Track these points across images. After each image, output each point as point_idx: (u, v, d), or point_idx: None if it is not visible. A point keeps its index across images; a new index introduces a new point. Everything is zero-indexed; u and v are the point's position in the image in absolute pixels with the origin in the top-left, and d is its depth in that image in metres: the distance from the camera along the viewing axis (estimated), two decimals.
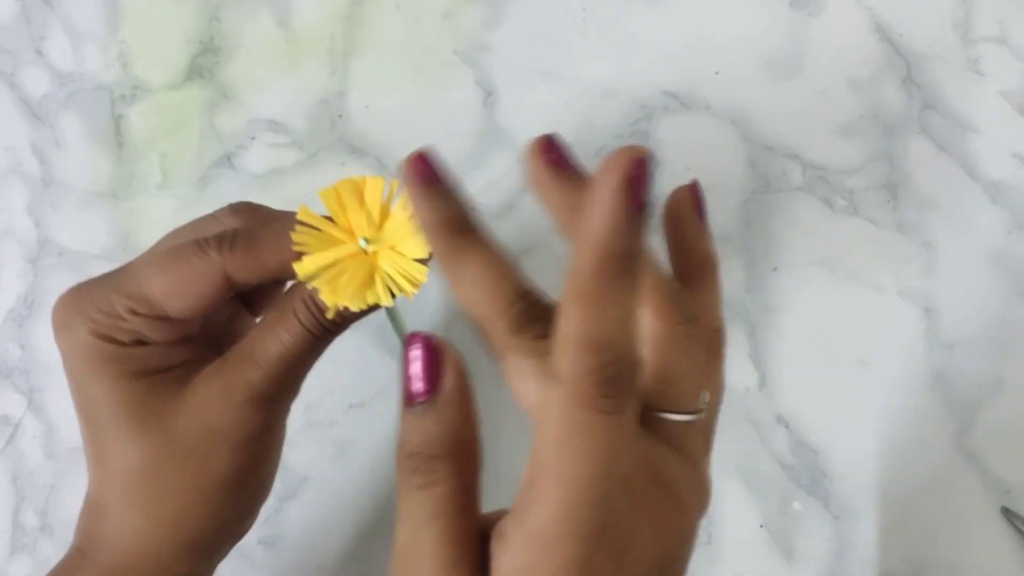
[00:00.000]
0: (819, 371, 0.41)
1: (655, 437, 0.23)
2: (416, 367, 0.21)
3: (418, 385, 0.21)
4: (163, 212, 0.46)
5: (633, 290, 0.19)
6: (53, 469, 0.44)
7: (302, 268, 0.26)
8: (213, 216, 0.29)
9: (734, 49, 0.45)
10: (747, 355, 0.41)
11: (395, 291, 0.26)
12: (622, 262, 0.18)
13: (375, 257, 0.26)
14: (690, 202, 0.25)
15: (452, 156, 0.45)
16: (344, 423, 0.42)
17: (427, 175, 0.22)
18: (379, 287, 0.26)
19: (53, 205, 0.47)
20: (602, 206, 0.18)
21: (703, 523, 0.40)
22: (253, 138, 0.46)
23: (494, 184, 0.44)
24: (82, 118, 0.48)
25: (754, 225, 0.43)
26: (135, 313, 0.27)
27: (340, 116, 0.46)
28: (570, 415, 0.18)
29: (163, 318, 0.27)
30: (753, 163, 0.43)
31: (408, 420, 0.21)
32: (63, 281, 0.45)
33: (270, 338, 0.27)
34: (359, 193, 0.26)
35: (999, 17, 0.44)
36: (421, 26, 0.47)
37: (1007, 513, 0.38)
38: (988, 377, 0.40)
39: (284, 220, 0.27)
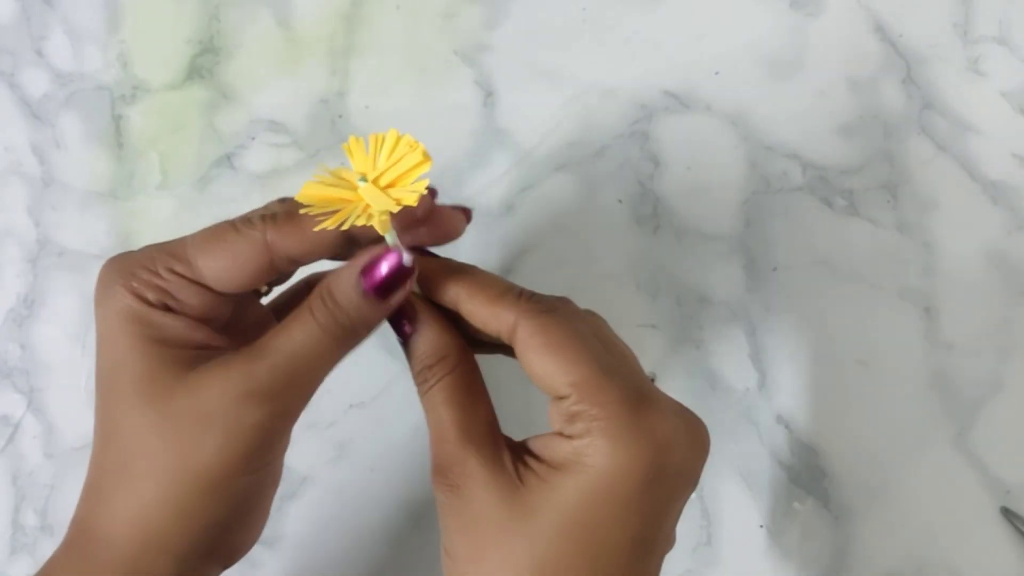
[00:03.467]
0: (819, 371, 0.41)
1: None
2: (398, 319, 0.28)
3: (405, 327, 0.28)
4: (163, 212, 0.46)
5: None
6: (53, 469, 0.44)
7: (303, 193, 0.26)
8: (264, 207, 0.30)
9: (734, 49, 0.45)
10: (747, 355, 0.41)
11: (369, 220, 0.26)
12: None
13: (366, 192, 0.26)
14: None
15: (452, 156, 0.45)
16: (344, 423, 0.42)
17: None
18: (356, 216, 0.26)
19: (53, 205, 0.47)
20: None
21: (703, 523, 0.40)
22: (253, 138, 0.46)
23: (494, 184, 0.44)
24: (82, 118, 0.48)
25: (754, 225, 0.43)
26: (172, 272, 0.27)
27: (340, 116, 0.46)
28: None
29: (198, 283, 0.27)
30: (753, 163, 0.43)
31: (408, 351, 0.28)
32: (63, 281, 0.45)
33: (282, 334, 0.27)
34: (382, 144, 0.27)
35: (999, 17, 0.44)
36: (421, 26, 0.47)
37: (1007, 513, 0.38)
38: (988, 377, 0.40)
39: None
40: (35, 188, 0.47)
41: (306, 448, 0.42)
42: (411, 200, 0.26)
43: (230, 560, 0.29)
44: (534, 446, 0.27)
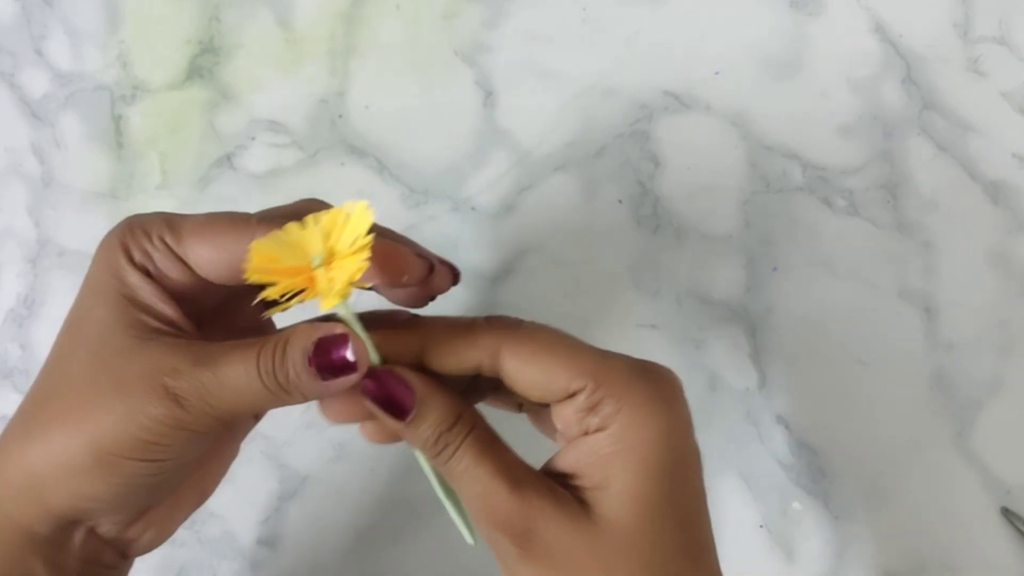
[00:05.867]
0: (819, 371, 0.41)
1: None
2: (394, 398, 0.26)
3: (405, 408, 0.26)
4: None
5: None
6: None
7: (256, 253, 0.25)
8: (289, 205, 0.29)
9: (734, 49, 0.45)
10: (747, 355, 0.41)
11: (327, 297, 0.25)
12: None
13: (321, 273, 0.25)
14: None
15: (452, 156, 0.45)
16: None
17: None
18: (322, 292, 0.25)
19: (53, 205, 0.47)
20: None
21: None
22: (253, 138, 0.46)
23: (494, 184, 0.44)
24: (82, 118, 0.48)
25: (754, 225, 0.43)
26: (163, 241, 0.27)
27: (340, 116, 0.46)
28: None
29: (182, 261, 0.27)
30: (753, 163, 0.43)
31: (412, 430, 0.26)
32: (63, 281, 0.45)
33: (225, 356, 0.26)
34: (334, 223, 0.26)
35: (999, 17, 0.44)
36: (421, 26, 0.47)
37: (1007, 513, 0.38)
38: (988, 377, 0.40)
39: None
40: (35, 188, 0.47)
41: (306, 448, 0.42)
42: (357, 276, 0.24)
43: (127, 549, 0.29)
44: (563, 464, 0.27)
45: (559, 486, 0.26)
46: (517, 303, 0.42)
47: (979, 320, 0.41)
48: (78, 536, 0.27)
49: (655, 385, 0.27)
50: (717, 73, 0.45)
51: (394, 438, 0.28)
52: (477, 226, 0.44)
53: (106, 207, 0.46)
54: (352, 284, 0.25)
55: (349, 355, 0.25)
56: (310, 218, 0.26)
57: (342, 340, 0.25)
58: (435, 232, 0.44)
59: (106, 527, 0.28)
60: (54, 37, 0.49)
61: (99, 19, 0.49)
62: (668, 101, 0.45)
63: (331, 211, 0.26)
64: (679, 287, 0.42)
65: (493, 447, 0.26)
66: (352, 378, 0.25)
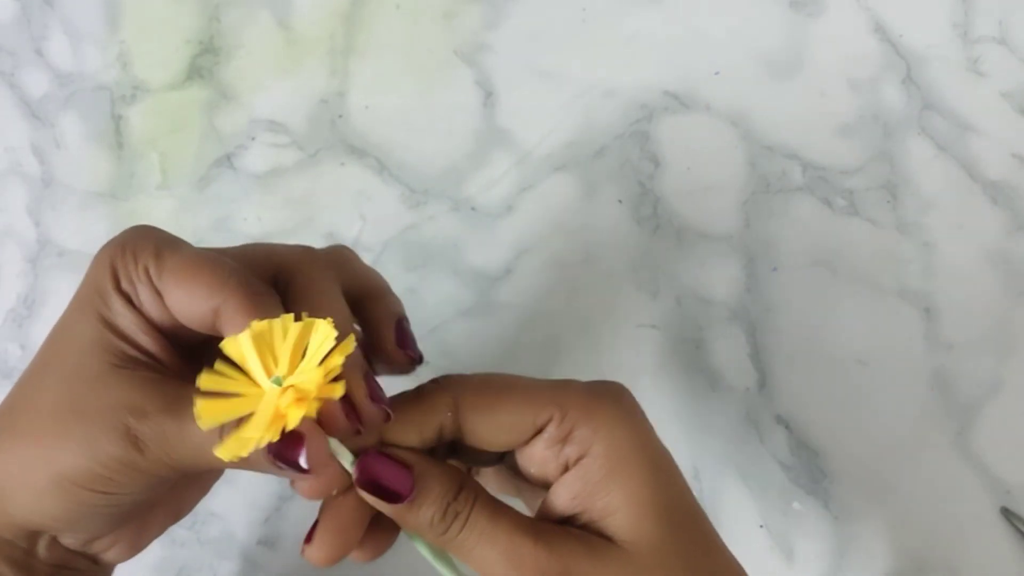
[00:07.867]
0: (819, 371, 0.41)
1: None
2: (390, 483, 0.25)
3: (403, 491, 0.25)
4: (163, 212, 0.46)
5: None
6: None
7: (225, 451, 0.23)
8: (288, 248, 0.28)
9: (734, 49, 0.45)
10: (747, 355, 0.41)
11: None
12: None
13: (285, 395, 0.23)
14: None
15: (452, 156, 0.45)
16: None
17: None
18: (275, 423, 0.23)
19: (53, 205, 0.47)
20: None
21: None
22: (253, 138, 0.46)
23: (494, 184, 0.44)
24: (82, 118, 0.48)
25: (754, 225, 0.43)
26: (147, 272, 0.26)
27: (340, 116, 0.46)
28: None
29: (160, 296, 0.26)
30: (753, 163, 0.43)
31: (415, 510, 0.25)
32: (63, 281, 0.45)
33: (192, 408, 0.24)
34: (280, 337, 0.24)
35: (999, 17, 0.44)
36: (421, 26, 0.47)
37: (1007, 513, 0.38)
38: (988, 377, 0.40)
39: (315, 299, 0.26)
40: (35, 188, 0.47)
41: None
42: (337, 392, 0.23)
43: (96, 559, 0.29)
44: (560, 507, 0.26)
45: (575, 526, 0.26)
46: (517, 303, 0.42)
47: (979, 320, 0.41)
48: (43, 544, 0.27)
49: (616, 399, 0.27)
50: (717, 73, 0.45)
51: (382, 550, 0.28)
52: (477, 226, 0.44)
53: (106, 207, 0.46)
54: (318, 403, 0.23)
55: (302, 462, 0.24)
56: (259, 346, 0.23)
57: (298, 443, 0.24)
58: (435, 232, 0.44)
59: (68, 540, 0.28)
60: (54, 37, 0.49)
61: (99, 19, 0.49)
62: (668, 101, 0.45)
63: (278, 325, 0.24)
64: (679, 287, 0.42)
65: (501, 507, 0.26)
66: (305, 477, 0.24)
